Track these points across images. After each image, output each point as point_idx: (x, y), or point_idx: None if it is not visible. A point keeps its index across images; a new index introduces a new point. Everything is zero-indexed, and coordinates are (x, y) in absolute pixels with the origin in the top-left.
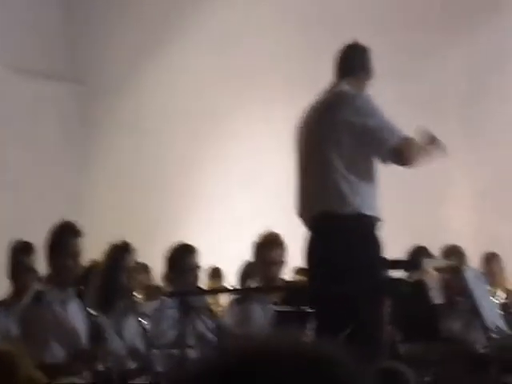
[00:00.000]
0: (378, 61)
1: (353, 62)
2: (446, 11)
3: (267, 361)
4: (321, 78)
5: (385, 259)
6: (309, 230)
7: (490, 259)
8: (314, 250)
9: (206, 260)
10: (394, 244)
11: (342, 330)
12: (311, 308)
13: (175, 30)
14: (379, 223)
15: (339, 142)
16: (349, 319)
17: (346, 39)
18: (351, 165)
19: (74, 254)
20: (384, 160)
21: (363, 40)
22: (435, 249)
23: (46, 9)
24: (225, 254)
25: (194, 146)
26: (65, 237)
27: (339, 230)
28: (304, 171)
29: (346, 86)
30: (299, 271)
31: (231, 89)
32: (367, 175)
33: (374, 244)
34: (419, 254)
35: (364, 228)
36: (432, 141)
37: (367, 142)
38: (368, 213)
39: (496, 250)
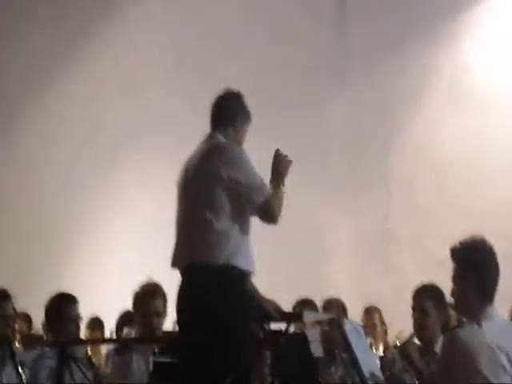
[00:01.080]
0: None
1: (225, 111)
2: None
3: None
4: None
5: (262, 311)
6: (180, 280)
7: (370, 312)
8: (183, 300)
9: (86, 310)
10: (277, 298)
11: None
12: (180, 360)
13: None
14: (250, 276)
15: (210, 193)
16: (217, 373)
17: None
18: (222, 217)
19: None
20: (252, 216)
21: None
22: (318, 302)
23: None
24: (107, 305)
25: (76, 196)
26: None
27: (207, 281)
28: (180, 223)
29: (219, 137)
30: None
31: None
32: (239, 227)
33: (242, 296)
34: (303, 307)
35: (233, 280)
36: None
37: (236, 196)
38: (238, 265)
39: (376, 303)
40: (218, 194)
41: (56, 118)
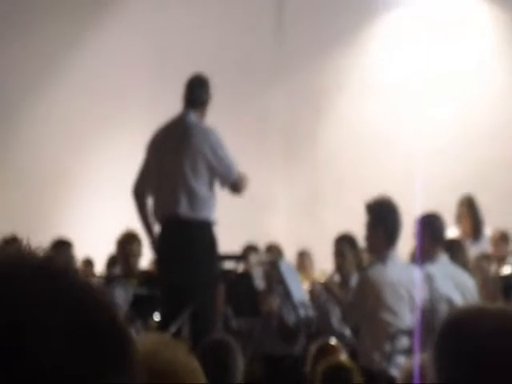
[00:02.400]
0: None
1: (197, 95)
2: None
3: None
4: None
5: (219, 254)
6: (163, 229)
7: (302, 256)
8: (166, 245)
9: (80, 252)
10: (229, 242)
11: (185, 309)
12: (161, 292)
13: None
14: (215, 227)
15: (195, 164)
16: (190, 301)
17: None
18: (203, 183)
19: None
20: (223, 187)
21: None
22: (261, 246)
23: None
24: (97, 248)
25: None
26: None
27: (188, 230)
28: (163, 184)
29: (193, 116)
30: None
31: (97, 113)
32: (212, 192)
33: (215, 245)
34: (249, 250)
35: (207, 231)
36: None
37: (215, 170)
38: (211, 220)
39: (307, 249)
40: (201, 166)
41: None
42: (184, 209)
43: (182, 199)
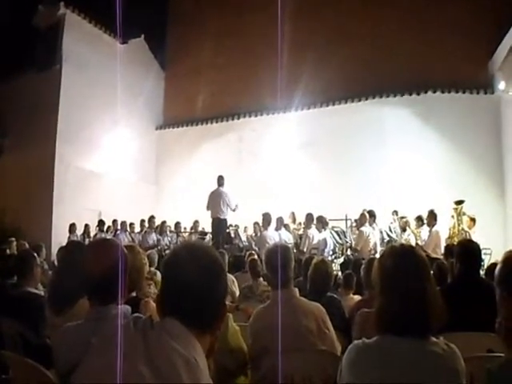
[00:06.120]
0: None
1: (221, 182)
2: None
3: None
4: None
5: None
6: (213, 221)
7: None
8: (216, 226)
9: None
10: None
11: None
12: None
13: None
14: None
15: (223, 202)
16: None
17: None
18: (225, 207)
19: None
20: (230, 210)
21: None
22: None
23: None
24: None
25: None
26: None
27: (222, 221)
28: (215, 205)
29: (221, 187)
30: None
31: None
32: (228, 210)
33: (227, 222)
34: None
35: (226, 221)
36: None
37: (228, 204)
38: (227, 218)
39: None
40: (224, 203)
41: None
42: (221, 215)
43: (220, 212)
